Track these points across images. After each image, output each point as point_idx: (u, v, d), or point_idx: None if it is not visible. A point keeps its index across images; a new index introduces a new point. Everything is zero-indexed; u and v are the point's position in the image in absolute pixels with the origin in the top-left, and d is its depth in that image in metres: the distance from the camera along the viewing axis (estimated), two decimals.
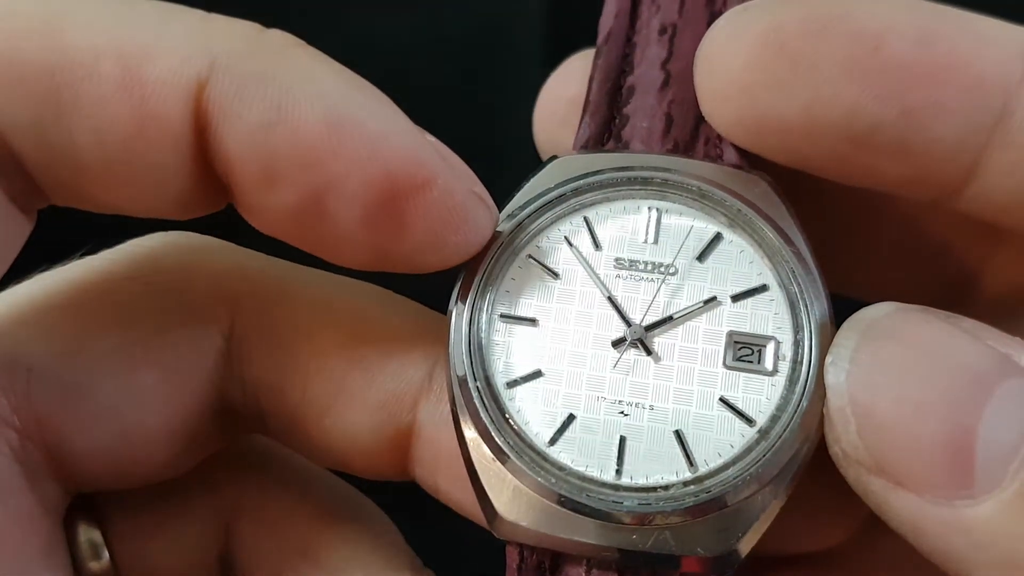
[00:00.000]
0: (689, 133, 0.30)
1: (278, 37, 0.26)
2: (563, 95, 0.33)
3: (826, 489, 0.27)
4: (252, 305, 0.30)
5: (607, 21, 0.31)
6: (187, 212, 0.27)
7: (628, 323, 0.28)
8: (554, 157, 0.30)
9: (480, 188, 0.28)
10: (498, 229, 0.29)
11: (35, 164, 0.25)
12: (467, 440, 0.28)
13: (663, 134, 0.30)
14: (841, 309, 0.28)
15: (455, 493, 0.29)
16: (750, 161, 0.29)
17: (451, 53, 0.50)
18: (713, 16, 0.30)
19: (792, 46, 0.26)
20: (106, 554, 0.31)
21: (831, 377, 0.26)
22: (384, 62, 0.46)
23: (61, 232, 0.30)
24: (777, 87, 0.26)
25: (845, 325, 0.26)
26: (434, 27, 0.50)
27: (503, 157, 0.34)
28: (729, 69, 0.27)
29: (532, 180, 0.29)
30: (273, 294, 0.30)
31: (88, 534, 0.31)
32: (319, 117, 0.25)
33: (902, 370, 0.25)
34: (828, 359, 0.26)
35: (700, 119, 0.30)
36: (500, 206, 0.29)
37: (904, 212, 0.33)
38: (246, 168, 0.25)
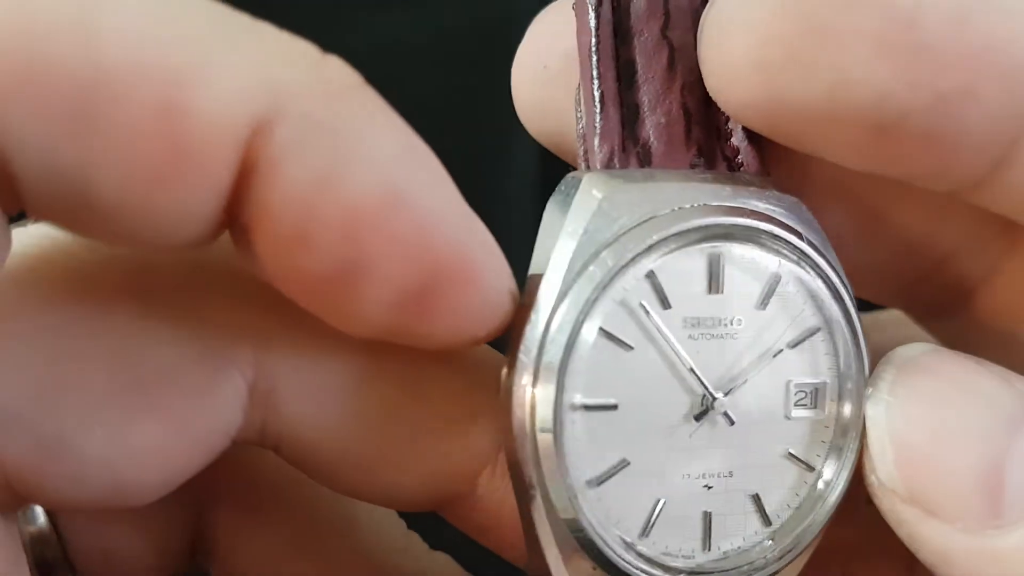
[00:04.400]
0: (707, 129, 0.27)
1: (338, 71, 0.22)
2: (551, 48, 0.28)
3: None
4: (284, 347, 0.25)
5: None
6: (183, 250, 0.23)
7: (710, 393, 0.26)
8: (593, 190, 0.25)
9: (513, 284, 0.24)
10: (553, 288, 0.24)
11: (32, 191, 0.20)
12: (558, 542, 0.25)
13: (685, 138, 0.26)
14: None
15: (503, 549, 0.28)
16: (763, 157, 0.27)
17: (449, 52, 0.50)
18: None
19: (819, 18, 0.23)
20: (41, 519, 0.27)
21: (870, 408, 0.26)
22: (381, 61, 0.46)
23: None
24: (800, 65, 0.23)
25: (883, 361, 0.27)
26: (432, 25, 0.50)
27: (502, 157, 0.34)
28: (743, 42, 0.24)
29: (571, 218, 0.25)
30: (310, 335, 0.25)
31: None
32: (374, 184, 0.21)
33: (937, 403, 0.25)
34: (868, 391, 0.27)
35: (707, 104, 0.26)
36: (499, 209, 0.27)
37: (916, 214, 0.31)
38: (281, 225, 0.21)
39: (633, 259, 0.25)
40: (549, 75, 0.28)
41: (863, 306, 0.31)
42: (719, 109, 0.26)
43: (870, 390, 0.27)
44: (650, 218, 0.25)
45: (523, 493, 0.25)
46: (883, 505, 0.26)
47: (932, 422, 0.25)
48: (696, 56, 0.26)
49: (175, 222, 0.21)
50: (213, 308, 0.25)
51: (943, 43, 0.24)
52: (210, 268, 0.25)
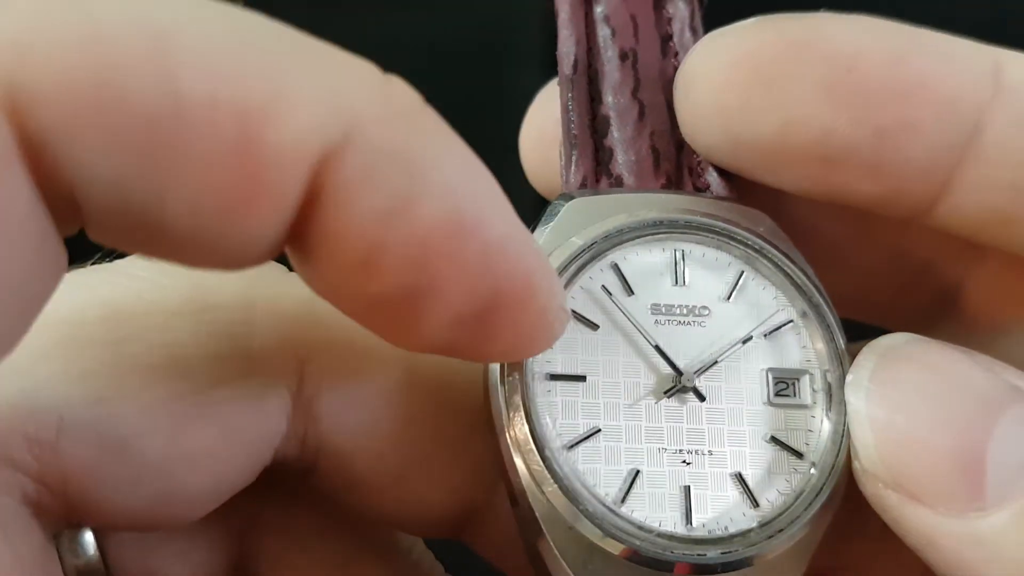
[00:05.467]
0: (674, 165, 0.30)
1: (403, 94, 0.22)
2: (549, 116, 0.31)
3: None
4: (326, 359, 0.27)
5: (569, 49, 0.31)
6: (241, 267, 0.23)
7: (678, 370, 0.28)
8: (564, 199, 0.29)
9: (564, 300, 0.25)
10: None
11: (101, 220, 0.20)
12: (535, 509, 0.26)
13: (654, 169, 0.30)
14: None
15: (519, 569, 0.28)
16: (736, 191, 0.30)
17: (450, 53, 0.50)
18: (663, 40, 0.31)
19: (766, 68, 0.27)
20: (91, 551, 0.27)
21: (851, 395, 0.27)
22: (382, 61, 0.46)
23: None
24: (751, 109, 0.27)
25: (865, 349, 0.27)
26: (432, 28, 0.50)
27: (501, 158, 0.34)
28: (705, 91, 0.28)
29: (551, 227, 0.28)
30: (351, 347, 0.27)
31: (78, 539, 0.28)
32: (443, 214, 0.21)
33: (919, 389, 0.26)
34: (849, 378, 0.27)
35: (679, 148, 0.30)
36: None
37: (886, 231, 0.33)
38: (349, 252, 0.21)
39: (595, 247, 0.28)
40: (548, 139, 0.32)
41: (859, 331, 0.32)
42: (691, 152, 0.30)
43: (851, 377, 0.27)
44: (613, 215, 0.28)
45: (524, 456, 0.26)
46: (867, 490, 0.27)
47: (913, 407, 0.26)
48: (665, 112, 0.30)
49: (240, 246, 0.21)
50: (262, 324, 0.27)
51: (881, 82, 0.27)
52: (260, 287, 0.27)
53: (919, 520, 0.25)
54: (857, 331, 0.34)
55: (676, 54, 0.31)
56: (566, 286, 0.28)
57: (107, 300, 0.26)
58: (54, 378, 0.25)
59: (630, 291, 0.28)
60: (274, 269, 0.27)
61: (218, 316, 0.26)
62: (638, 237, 0.28)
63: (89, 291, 0.26)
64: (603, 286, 0.28)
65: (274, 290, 0.27)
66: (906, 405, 0.26)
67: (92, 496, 0.25)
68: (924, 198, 0.28)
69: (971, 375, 0.26)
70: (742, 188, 0.30)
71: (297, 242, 0.22)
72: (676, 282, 0.29)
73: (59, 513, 0.25)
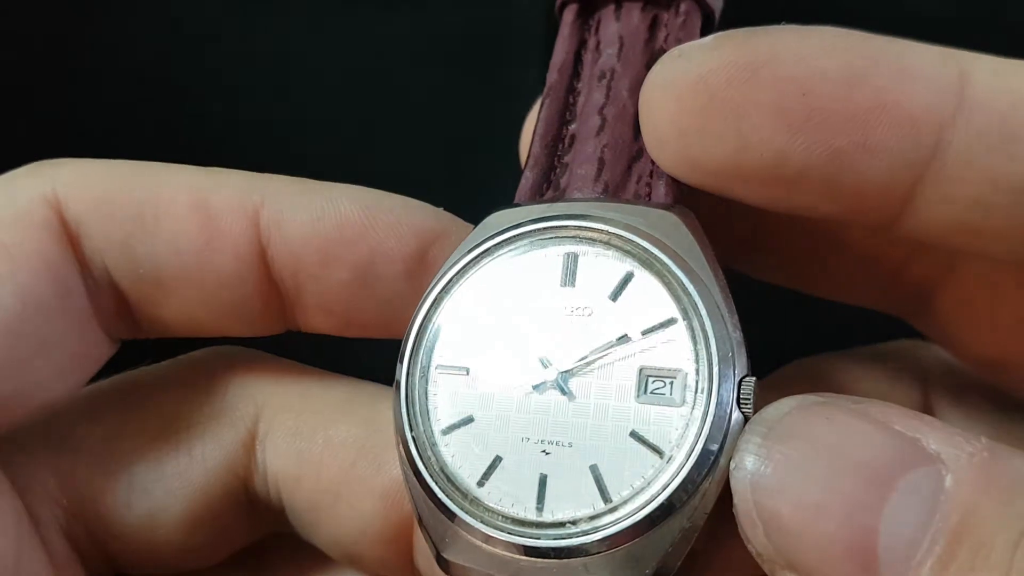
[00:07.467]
0: (621, 173, 0.31)
1: (308, 180, 0.34)
2: None
3: None
4: (277, 403, 0.35)
5: (551, 75, 0.33)
6: (250, 326, 0.34)
7: (547, 367, 0.29)
8: (492, 213, 0.32)
9: (448, 220, 0.34)
10: (434, 287, 0.31)
11: (124, 278, 0.32)
12: (410, 486, 0.30)
13: (595, 178, 0.31)
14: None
15: None
16: (683, 196, 0.31)
17: (449, 54, 0.50)
18: (653, 55, 0.32)
19: (721, 95, 0.27)
20: None
21: (736, 482, 0.26)
22: (381, 63, 0.46)
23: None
24: (707, 133, 0.27)
25: (748, 427, 0.27)
26: (433, 28, 0.51)
27: (500, 157, 0.34)
28: (664, 115, 0.28)
29: (467, 238, 0.31)
30: (296, 394, 0.35)
31: None
32: (354, 206, 0.32)
33: (801, 473, 0.25)
34: (732, 463, 0.26)
35: (634, 159, 0.31)
36: (496, 210, 0.31)
37: (858, 235, 0.33)
38: (307, 256, 0.32)
39: (487, 252, 0.31)
40: None
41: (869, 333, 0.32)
42: (648, 160, 0.31)
43: (735, 460, 0.26)
44: (515, 225, 0.31)
45: (401, 437, 0.30)
46: (764, 568, 0.26)
47: (796, 493, 0.25)
48: (631, 120, 0.32)
49: (222, 285, 0.32)
50: (225, 381, 0.35)
51: (837, 105, 0.27)
52: (224, 360, 0.36)
53: None
54: (850, 316, 0.35)
55: None
56: (459, 284, 0.31)
57: (125, 375, 0.35)
58: (75, 423, 0.33)
59: (519, 291, 0.30)
60: (247, 350, 0.36)
61: (199, 379, 0.35)
62: (528, 242, 0.30)
63: (111, 381, 0.35)
64: (491, 287, 0.30)
65: (244, 361, 0.36)
66: (790, 491, 0.25)
67: (100, 518, 0.32)
68: (885, 214, 0.28)
69: (862, 444, 0.25)
70: (695, 196, 0.30)
71: (272, 291, 0.33)
72: (565, 283, 0.30)
73: (89, 545, 0.33)
